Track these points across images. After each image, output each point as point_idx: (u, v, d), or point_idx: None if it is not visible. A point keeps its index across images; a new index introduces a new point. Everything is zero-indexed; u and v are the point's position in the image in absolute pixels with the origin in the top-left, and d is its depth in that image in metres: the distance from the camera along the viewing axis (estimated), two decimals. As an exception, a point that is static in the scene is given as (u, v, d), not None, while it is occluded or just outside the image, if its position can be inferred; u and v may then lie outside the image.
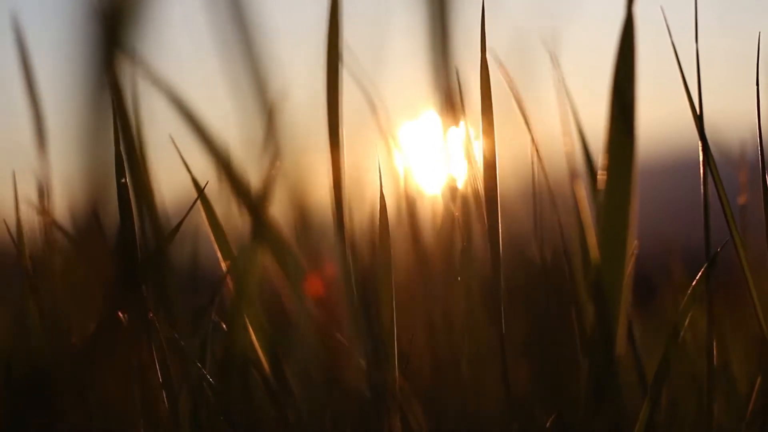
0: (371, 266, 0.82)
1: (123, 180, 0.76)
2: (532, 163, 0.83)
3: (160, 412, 0.84)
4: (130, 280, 0.79)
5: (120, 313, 0.76)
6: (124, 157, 0.75)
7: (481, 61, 0.79)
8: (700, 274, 0.82)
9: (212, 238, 0.86)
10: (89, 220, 0.67)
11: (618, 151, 0.74)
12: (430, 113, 0.75)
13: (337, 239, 0.78)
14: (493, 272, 0.79)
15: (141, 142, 0.78)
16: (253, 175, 0.72)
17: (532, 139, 0.81)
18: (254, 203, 0.72)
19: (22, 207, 0.90)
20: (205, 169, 0.78)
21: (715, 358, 0.84)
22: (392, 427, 0.79)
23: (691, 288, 0.83)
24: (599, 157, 0.75)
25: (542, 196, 0.83)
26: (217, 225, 0.86)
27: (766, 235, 0.79)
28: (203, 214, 0.87)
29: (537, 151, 0.82)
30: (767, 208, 0.80)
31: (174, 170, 0.87)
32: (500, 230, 0.79)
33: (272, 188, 0.72)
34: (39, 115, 0.88)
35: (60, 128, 0.62)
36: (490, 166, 0.78)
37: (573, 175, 0.79)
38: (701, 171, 0.81)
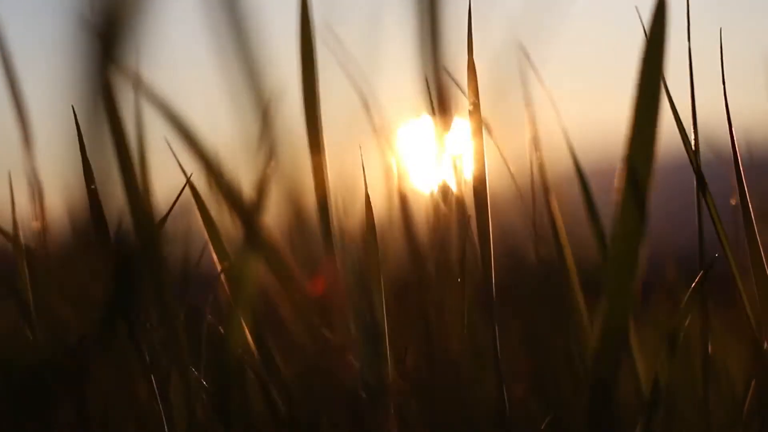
0: (364, 266, 0.82)
1: (93, 186, 0.76)
2: (530, 164, 0.83)
3: (156, 415, 0.84)
4: (124, 282, 0.79)
5: (115, 315, 0.77)
6: (117, 162, 0.75)
7: (468, 62, 0.79)
8: (696, 280, 0.82)
9: (207, 238, 0.86)
10: (84, 225, 0.67)
11: (639, 148, 0.71)
12: (423, 114, 0.76)
13: (324, 241, 0.79)
14: (484, 272, 0.79)
15: (137, 146, 0.78)
16: (246, 178, 0.72)
17: (500, 152, 0.81)
18: (246, 210, 0.72)
19: (19, 208, 0.90)
20: (199, 173, 0.79)
21: (710, 360, 0.84)
22: (389, 427, 0.79)
23: (688, 294, 0.83)
24: (591, 157, 0.75)
25: (535, 197, 0.83)
26: (212, 226, 0.86)
27: (746, 235, 0.79)
28: (198, 215, 0.87)
29: (528, 150, 0.82)
30: (745, 207, 0.80)
31: (169, 173, 0.87)
32: (491, 231, 0.79)
33: (265, 192, 0.72)
34: (24, 119, 0.88)
35: (52, 133, 0.62)
36: (479, 168, 0.79)
37: (546, 184, 0.78)
38: (695, 178, 0.81)
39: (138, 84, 0.70)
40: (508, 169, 0.82)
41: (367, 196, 0.82)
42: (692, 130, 0.81)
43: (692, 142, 0.81)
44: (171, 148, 0.85)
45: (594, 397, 0.71)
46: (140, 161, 0.76)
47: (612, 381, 0.71)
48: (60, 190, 0.64)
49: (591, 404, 0.72)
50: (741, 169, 0.80)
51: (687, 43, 0.80)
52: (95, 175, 0.73)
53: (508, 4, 0.74)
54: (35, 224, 0.88)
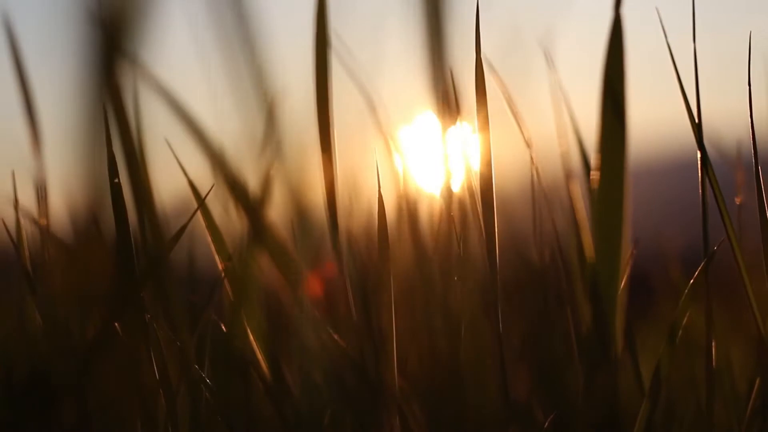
0: (370, 266, 0.82)
1: (116, 180, 0.76)
2: (531, 163, 0.83)
3: (159, 414, 0.84)
4: (128, 281, 0.79)
5: (119, 316, 0.77)
6: (123, 159, 0.75)
7: (476, 61, 0.79)
8: (697, 271, 0.82)
9: (210, 239, 0.86)
10: (88, 223, 0.67)
11: (610, 150, 0.74)
12: (428, 114, 0.76)
13: (332, 239, 0.79)
14: (490, 272, 0.79)
15: (140, 144, 0.78)
16: (251, 175, 0.72)
17: (525, 140, 0.81)
18: (252, 206, 0.72)
19: (22, 208, 0.90)
20: (203, 170, 0.79)
21: (713, 358, 0.84)
22: (391, 427, 0.79)
23: (688, 286, 0.83)
24: (593, 157, 0.75)
25: (540, 196, 0.83)
26: (214, 227, 0.86)
27: (762, 234, 0.80)
28: (201, 215, 0.87)
29: (532, 151, 0.82)
30: (761, 207, 0.80)
31: (172, 171, 0.87)
32: (496, 230, 0.79)
33: (270, 189, 0.72)
34: (33, 116, 0.88)
35: (58, 130, 0.62)
36: (486, 166, 0.79)
37: (568, 175, 0.79)
38: (699, 174, 0.81)
39: (144, 78, 0.70)
40: (531, 157, 0.82)
41: (380, 197, 0.82)
42: (696, 115, 0.81)
43: (696, 120, 0.81)
44: (171, 148, 0.85)
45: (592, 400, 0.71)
46: (143, 158, 0.76)
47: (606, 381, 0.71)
48: (65, 187, 0.64)
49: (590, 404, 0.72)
50: (758, 164, 0.80)
51: (692, 44, 0.80)
52: (100, 171, 0.73)
53: (513, 3, 0.75)
54: (40, 222, 0.88)
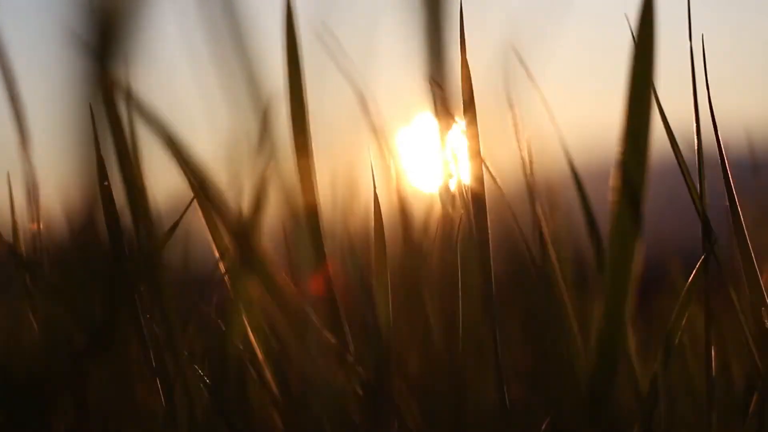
0: (367, 267, 0.82)
1: (106, 183, 0.76)
2: (523, 163, 0.83)
3: (157, 414, 0.84)
4: (124, 281, 0.79)
5: (115, 316, 0.77)
6: (116, 160, 0.75)
7: (461, 61, 0.79)
8: (695, 271, 0.82)
9: (210, 236, 0.86)
10: (83, 223, 0.67)
11: (633, 147, 0.72)
12: (424, 114, 0.75)
13: (313, 244, 0.78)
14: (483, 272, 0.79)
15: (133, 144, 0.78)
16: (245, 182, 0.72)
17: (518, 141, 0.81)
18: (239, 230, 0.72)
19: (17, 209, 0.90)
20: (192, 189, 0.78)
21: (713, 359, 0.84)
22: (390, 428, 0.79)
23: (687, 284, 0.83)
24: (589, 156, 0.75)
25: (533, 196, 0.83)
26: (213, 224, 0.86)
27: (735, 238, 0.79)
28: (200, 212, 0.87)
29: (523, 153, 0.82)
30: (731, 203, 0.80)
31: (168, 170, 0.87)
32: (489, 230, 0.79)
33: (261, 208, 0.71)
34: (20, 117, 0.87)
35: (50, 132, 0.62)
36: (476, 165, 0.78)
37: (555, 179, 0.79)
38: (698, 174, 0.81)
39: (129, 96, 0.70)
40: (523, 159, 0.82)
41: (376, 197, 0.82)
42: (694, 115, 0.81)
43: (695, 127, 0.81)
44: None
45: (592, 408, 0.71)
46: (135, 158, 0.76)
47: (609, 393, 0.71)
48: (59, 188, 0.64)
49: (590, 412, 0.72)
50: (727, 166, 0.80)
51: (689, 43, 0.80)
52: (101, 174, 0.73)
53: (508, 7, 0.74)
54: (33, 225, 0.88)
